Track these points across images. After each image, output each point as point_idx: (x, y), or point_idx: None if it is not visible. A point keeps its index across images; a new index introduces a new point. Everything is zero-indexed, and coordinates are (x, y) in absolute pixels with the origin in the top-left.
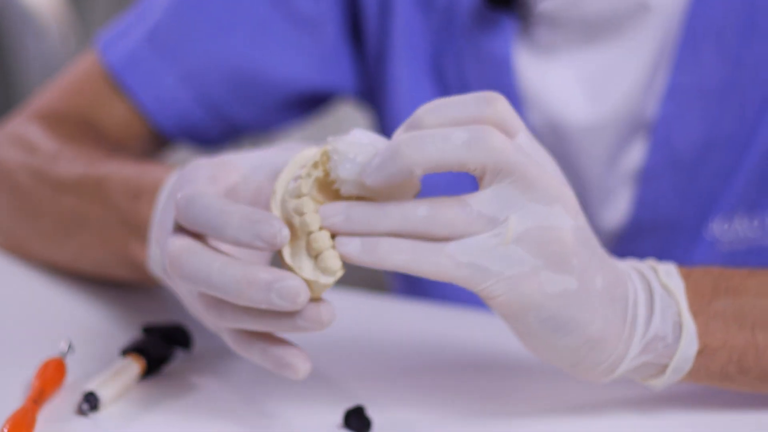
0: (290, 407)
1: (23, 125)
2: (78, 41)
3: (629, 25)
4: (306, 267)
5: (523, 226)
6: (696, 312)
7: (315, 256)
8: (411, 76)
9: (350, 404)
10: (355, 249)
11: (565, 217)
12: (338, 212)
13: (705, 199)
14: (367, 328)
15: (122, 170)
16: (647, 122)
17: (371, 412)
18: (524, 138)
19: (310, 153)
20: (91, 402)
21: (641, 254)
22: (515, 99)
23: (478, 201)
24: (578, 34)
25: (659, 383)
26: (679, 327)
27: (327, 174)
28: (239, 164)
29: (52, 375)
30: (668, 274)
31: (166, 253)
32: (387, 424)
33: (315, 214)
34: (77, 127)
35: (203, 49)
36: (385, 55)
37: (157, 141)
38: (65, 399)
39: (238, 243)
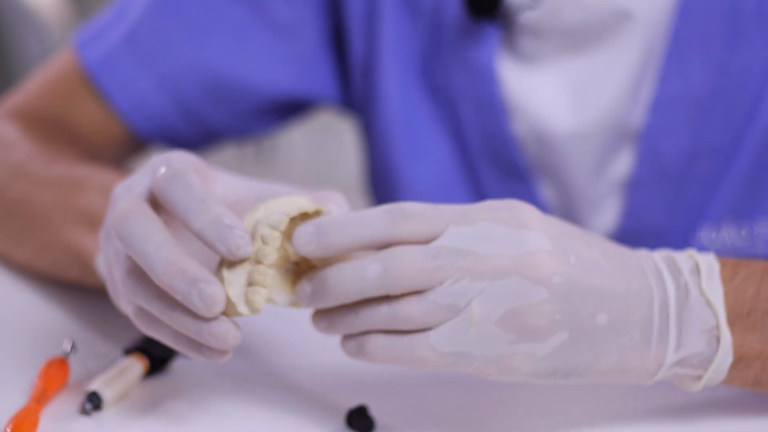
0: (293, 407)
1: (0, 123)
2: None
3: (612, 35)
4: (235, 287)
5: (486, 308)
6: (734, 322)
7: (249, 284)
8: (401, 82)
9: (353, 404)
10: (351, 350)
11: (526, 286)
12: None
13: (692, 208)
14: None
15: (102, 172)
16: (634, 131)
17: (374, 412)
18: (453, 230)
19: (304, 203)
20: (94, 401)
21: None
22: (500, 108)
23: (434, 293)
24: (561, 44)
25: (693, 389)
26: (715, 340)
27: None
28: (222, 175)
29: (55, 374)
30: (710, 278)
31: (116, 207)
32: (390, 424)
33: (277, 252)
34: (52, 127)
35: (179, 53)
36: (373, 62)
37: (133, 143)
38: (68, 398)
39: (201, 236)
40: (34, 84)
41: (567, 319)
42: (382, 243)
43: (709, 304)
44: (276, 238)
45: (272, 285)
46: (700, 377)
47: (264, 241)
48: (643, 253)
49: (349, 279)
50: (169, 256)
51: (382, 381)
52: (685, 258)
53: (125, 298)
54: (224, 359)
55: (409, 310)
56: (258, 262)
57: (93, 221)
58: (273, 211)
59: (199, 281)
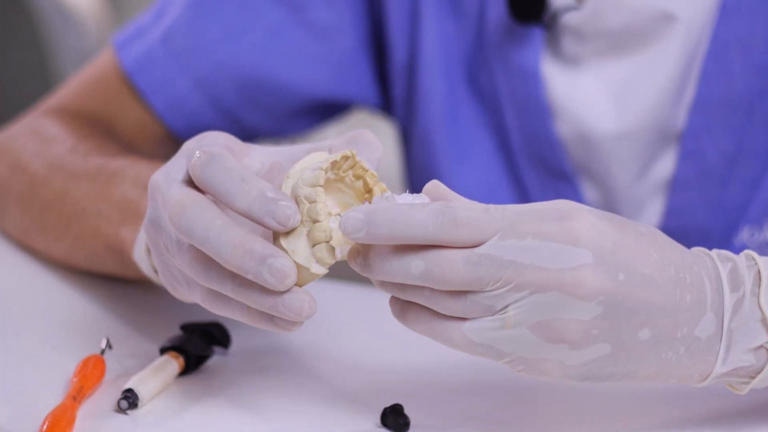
0: (328, 405)
1: (40, 120)
2: None
3: (655, 37)
4: (300, 252)
5: (522, 315)
6: None
7: (313, 244)
8: (444, 84)
9: (388, 403)
10: (395, 311)
11: (565, 302)
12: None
13: (734, 208)
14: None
15: (137, 163)
16: (676, 132)
17: (409, 412)
18: (499, 240)
19: (328, 156)
20: (130, 399)
21: None
22: (544, 110)
23: (473, 294)
24: (604, 46)
25: (739, 392)
26: (765, 354)
27: (340, 179)
28: (255, 147)
29: (91, 372)
30: None
31: (168, 200)
32: (424, 424)
33: (325, 205)
34: (92, 124)
35: (216, 53)
36: (416, 63)
37: (171, 142)
38: (104, 396)
39: (248, 215)
40: (76, 83)
41: (606, 334)
42: (429, 243)
43: (764, 321)
44: (319, 193)
45: (334, 238)
46: (746, 382)
47: (309, 199)
48: (707, 261)
49: (394, 269)
50: (233, 239)
51: (417, 381)
52: (747, 265)
53: (189, 284)
54: (296, 328)
55: (448, 303)
56: (314, 220)
57: (127, 212)
58: (300, 172)
59: (267, 257)
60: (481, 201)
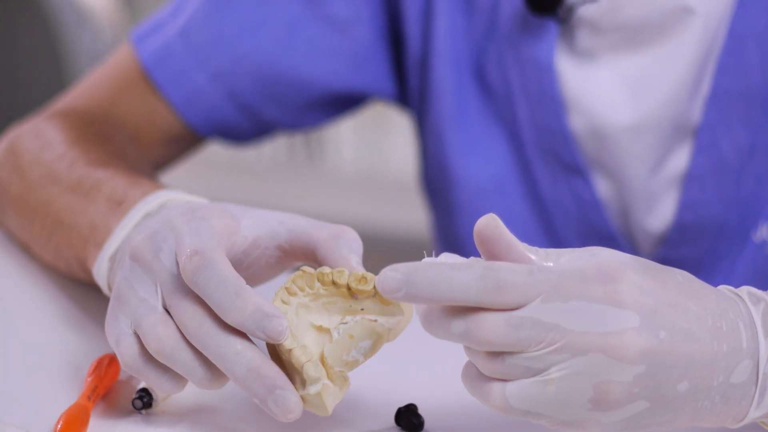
0: (341, 405)
1: (45, 121)
2: None
3: (672, 30)
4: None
5: (564, 376)
6: None
7: (300, 370)
8: (454, 78)
9: (402, 402)
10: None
11: (609, 364)
12: None
13: (750, 203)
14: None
15: (115, 178)
16: (692, 126)
17: (423, 411)
18: (542, 303)
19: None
20: (144, 399)
21: (688, 258)
22: (558, 103)
23: (513, 357)
24: (620, 39)
25: None
26: None
27: (315, 295)
28: (246, 215)
29: (105, 372)
30: None
31: (180, 316)
32: (438, 424)
33: (292, 336)
34: (89, 124)
35: (233, 47)
36: (428, 57)
37: (188, 138)
38: (119, 395)
39: (241, 327)
40: (92, 79)
41: (646, 391)
42: (471, 305)
43: None
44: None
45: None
46: None
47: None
48: (741, 306)
49: (434, 325)
50: (250, 363)
51: (431, 381)
52: None
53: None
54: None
55: (486, 366)
56: (288, 356)
57: (95, 229)
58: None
59: (276, 389)
60: (490, 194)
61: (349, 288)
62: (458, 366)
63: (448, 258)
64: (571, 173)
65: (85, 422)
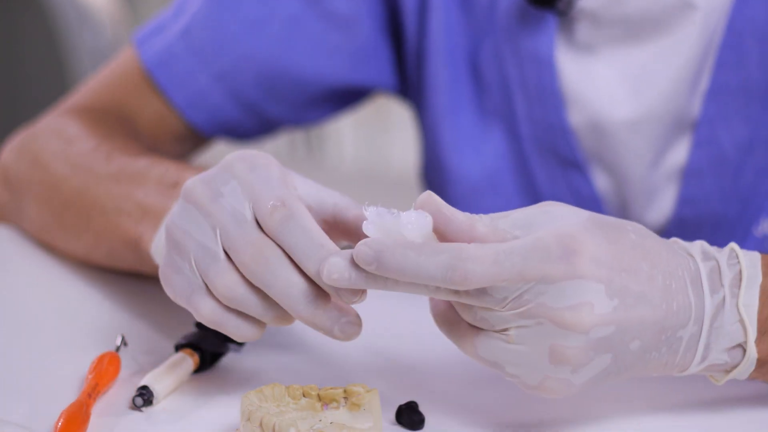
0: None
1: (61, 119)
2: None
3: (672, 24)
4: None
5: (523, 337)
6: (765, 332)
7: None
8: (449, 74)
9: (403, 400)
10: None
11: (564, 334)
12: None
13: (749, 197)
14: (420, 325)
15: (162, 163)
16: (691, 120)
17: (423, 408)
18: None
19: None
20: (144, 396)
21: None
22: (557, 98)
23: (483, 312)
24: (620, 32)
25: (715, 382)
26: (741, 352)
27: (286, 405)
28: (298, 180)
29: (106, 369)
30: (749, 291)
31: (244, 243)
32: (439, 421)
33: None
34: (114, 122)
35: (235, 46)
36: (424, 52)
37: (193, 137)
38: (119, 393)
39: (316, 278)
40: (96, 81)
41: (600, 353)
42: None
43: (742, 322)
44: None
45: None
46: (723, 375)
47: None
48: (690, 263)
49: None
50: (316, 300)
51: (432, 379)
52: (729, 264)
53: (201, 294)
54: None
55: (461, 309)
56: None
57: (148, 210)
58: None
59: (341, 317)
60: (485, 190)
61: (319, 398)
62: (459, 364)
63: (429, 202)
64: (569, 168)
65: (85, 420)
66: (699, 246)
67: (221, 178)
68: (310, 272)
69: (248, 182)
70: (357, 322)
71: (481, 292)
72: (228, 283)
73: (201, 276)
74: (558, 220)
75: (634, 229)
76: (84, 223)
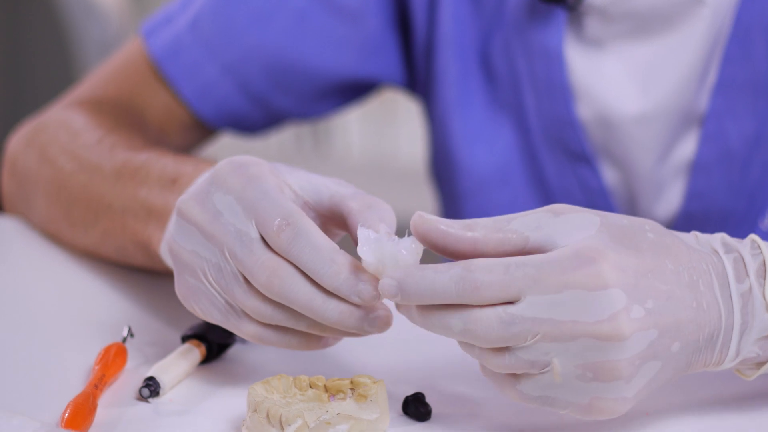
0: None
1: (68, 111)
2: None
3: (682, 19)
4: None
5: (567, 363)
6: None
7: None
8: (459, 67)
9: (409, 391)
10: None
11: (605, 346)
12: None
13: (757, 192)
14: None
15: (161, 158)
16: (699, 115)
17: (430, 400)
18: (529, 299)
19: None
20: (151, 387)
21: None
22: (566, 92)
23: (517, 349)
24: (629, 28)
25: (746, 378)
26: None
27: (293, 396)
28: (293, 175)
29: (113, 360)
30: None
31: (256, 265)
32: (446, 411)
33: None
34: (120, 113)
35: (243, 39)
36: (433, 46)
37: (200, 128)
38: (126, 384)
39: (336, 292)
40: (103, 72)
41: (647, 358)
42: (458, 303)
43: None
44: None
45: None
46: (754, 370)
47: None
48: (712, 256)
49: (435, 326)
50: (338, 306)
51: (439, 370)
52: (752, 254)
53: (239, 316)
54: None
55: (494, 360)
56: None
57: (153, 210)
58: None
59: (369, 314)
60: (495, 183)
61: (326, 389)
62: (466, 356)
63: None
64: (578, 161)
65: (92, 410)
66: (720, 238)
67: (216, 194)
68: (326, 285)
69: (247, 200)
70: (386, 313)
71: (508, 324)
72: (254, 306)
73: (224, 295)
74: (570, 224)
75: (651, 228)
76: (91, 219)
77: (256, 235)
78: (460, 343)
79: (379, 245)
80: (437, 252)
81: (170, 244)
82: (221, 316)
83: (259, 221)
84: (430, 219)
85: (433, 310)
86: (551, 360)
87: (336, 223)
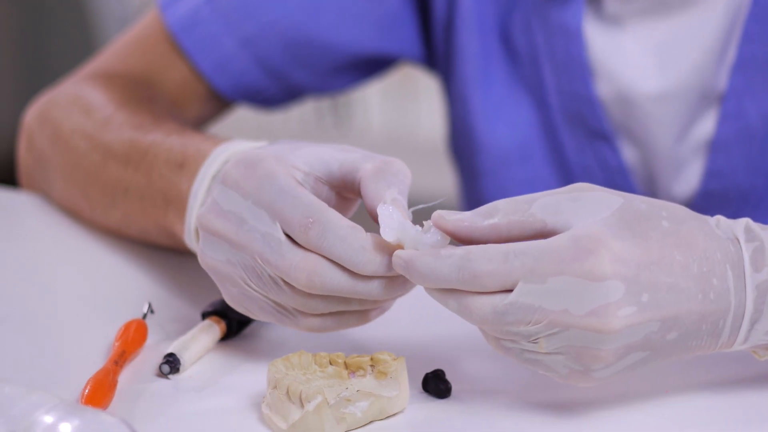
0: None
1: (81, 85)
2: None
3: None
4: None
5: (553, 345)
6: None
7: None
8: (479, 42)
9: (429, 368)
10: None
11: (594, 337)
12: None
13: None
14: None
15: (167, 139)
16: (718, 93)
17: (450, 377)
18: (523, 286)
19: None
20: (171, 363)
21: None
22: (585, 69)
23: (506, 327)
24: (648, 5)
25: (761, 358)
26: None
27: (312, 372)
28: (298, 153)
29: (133, 337)
30: None
31: (290, 267)
32: (466, 388)
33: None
34: (132, 87)
35: (261, 12)
36: (453, 23)
37: (217, 101)
38: (146, 360)
39: (373, 275)
40: (120, 45)
41: (635, 348)
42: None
43: None
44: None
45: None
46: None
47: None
48: (729, 245)
49: (436, 298)
50: (380, 284)
51: (459, 347)
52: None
53: (295, 315)
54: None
55: (486, 327)
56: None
57: (168, 195)
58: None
59: (406, 283)
60: (515, 159)
61: (346, 366)
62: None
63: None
64: (597, 139)
65: (112, 387)
66: (743, 225)
67: (233, 201)
68: (363, 273)
69: (266, 202)
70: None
71: (501, 313)
72: (301, 303)
73: (270, 297)
74: (586, 208)
75: (668, 215)
76: (110, 201)
77: (282, 237)
78: None
79: (403, 230)
80: (461, 243)
81: (203, 260)
82: (275, 317)
83: (283, 222)
84: (449, 219)
85: (432, 290)
86: (539, 339)
87: (349, 189)
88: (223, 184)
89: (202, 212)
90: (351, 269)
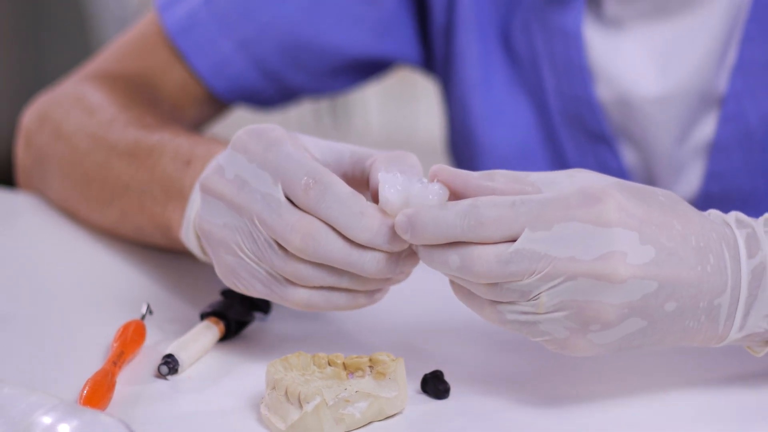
0: None
1: (82, 86)
2: None
3: (700, 0)
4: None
5: (554, 300)
6: None
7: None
8: (479, 45)
9: (428, 369)
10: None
11: (597, 287)
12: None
13: None
14: (445, 294)
15: (175, 138)
16: (718, 96)
17: (449, 377)
18: (529, 234)
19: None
20: (170, 364)
21: None
22: (585, 72)
23: (507, 284)
24: (648, 8)
25: (756, 354)
26: None
27: (311, 372)
28: (310, 142)
29: (132, 337)
30: None
31: (287, 227)
32: (465, 389)
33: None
34: (134, 89)
35: (258, 14)
36: (453, 26)
37: (214, 103)
38: (145, 361)
39: (370, 244)
40: (118, 46)
41: (635, 311)
42: (462, 240)
43: None
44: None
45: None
46: (763, 346)
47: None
48: (725, 229)
49: (435, 261)
50: (375, 256)
51: (457, 348)
52: (766, 230)
53: (284, 285)
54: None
55: (483, 291)
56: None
57: (170, 190)
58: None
59: (400, 265)
60: (516, 162)
61: (345, 366)
62: (484, 334)
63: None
64: (597, 142)
65: (110, 388)
66: (734, 215)
67: (238, 164)
68: (360, 241)
69: (271, 163)
70: (414, 255)
71: (506, 262)
72: (293, 270)
73: (263, 264)
74: (581, 181)
75: (663, 193)
76: (107, 198)
77: (282, 198)
78: (451, 282)
79: (407, 185)
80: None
81: (200, 224)
82: (264, 287)
83: (285, 182)
84: (451, 169)
85: (436, 246)
86: (540, 294)
87: (358, 183)
88: (232, 148)
89: (205, 174)
90: (347, 235)
